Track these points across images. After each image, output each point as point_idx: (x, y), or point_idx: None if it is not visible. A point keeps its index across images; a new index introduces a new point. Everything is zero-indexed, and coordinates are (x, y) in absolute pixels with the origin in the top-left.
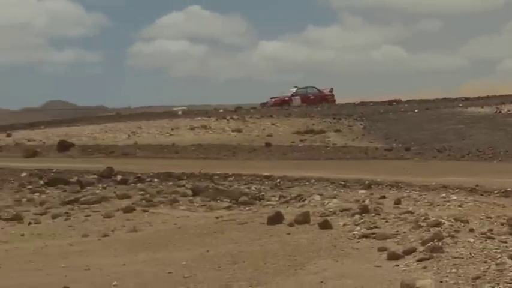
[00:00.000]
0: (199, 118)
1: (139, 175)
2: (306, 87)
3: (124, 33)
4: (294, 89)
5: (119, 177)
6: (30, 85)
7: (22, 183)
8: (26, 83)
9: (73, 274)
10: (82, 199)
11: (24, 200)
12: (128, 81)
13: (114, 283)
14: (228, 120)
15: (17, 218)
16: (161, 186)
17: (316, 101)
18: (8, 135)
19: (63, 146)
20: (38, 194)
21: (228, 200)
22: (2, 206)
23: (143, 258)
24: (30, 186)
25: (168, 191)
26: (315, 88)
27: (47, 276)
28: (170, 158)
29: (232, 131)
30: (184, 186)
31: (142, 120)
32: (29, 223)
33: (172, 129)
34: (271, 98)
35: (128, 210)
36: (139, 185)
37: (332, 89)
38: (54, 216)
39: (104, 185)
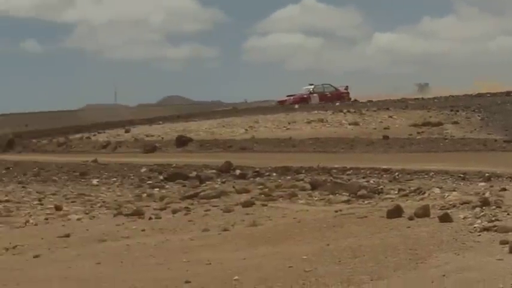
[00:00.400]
0: (316, 112)
1: (257, 169)
2: (322, 85)
3: (239, 27)
4: (311, 87)
5: (237, 172)
6: (147, 81)
7: (142, 179)
8: (143, 79)
9: (194, 268)
10: (201, 194)
11: (144, 195)
12: (244, 75)
13: (236, 277)
14: (344, 113)
15: (138, 214)
16: (280, 181)
17: (333, 98)
18: (127, 131)
19: (182, 141)
20: (157, 189)
21: (347, 194)
22: (123, 202)
23: (263, 252)
24: (150, 182)
25: (287, 185)
26: (331, 85)
27: (169, 270)
28: (287, 152)
29: (349, 124)
30: (302, 180)
31: (259, 114)
32: (150, 218)
33: (289, 123)
34: (288, 96)
35: (247, 204)
36: (258, 179)
37: (347, 86)
38: (174, 211)
39: (223, 180)
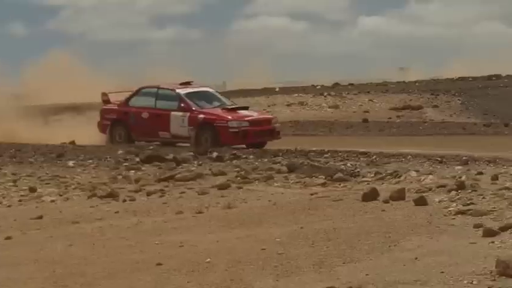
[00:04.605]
0: (296, 95)
1: (234, 152)
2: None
3: (225, 10)
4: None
5: (214, 154)
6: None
7: (118, 161)
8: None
9: (167, 251)
10: (177, 176)
11: (119, 177)
12: (227, 58)
13: (208, 260)
14: (325, 96)
15: (112, 195)
16: (256, 163)
17: None
18: None
19: None
20: (133, 171)
21: (323, 177)
22: (98, 184)
23: (237, 234)
24: (126, 164)
25: (264, 168)
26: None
27: (141, 252)
28: None
29: (329, 107)
30: (279, 163)
31: (240, 97)
32: (124, 200)
33: (268, 106)
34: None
35: (222, 187)
36: (234, 161)
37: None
38: (149, 194)
39: (200, 162)
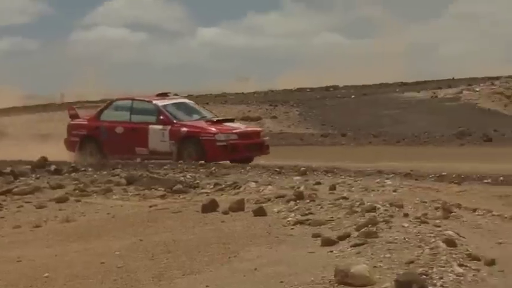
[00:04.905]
0: None
1: (73, 165)
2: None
3: (64, 20)
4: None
5: (53, 167)
6: None
7: None
8: None
9: (3, 266)
10: (15, 190)
11: None
12: (65, 68)
13: (46, 274)
14: None
15: None
16: (95, 176)
17: None
18: None
19: None
20: None
21: (163, 189)
22: None
23: (76, 248)
24: None
25: (102, 180)
26: None
27: None
28: None
29: None
30: (118, 175)
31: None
32: None
33: None
34: None
35: (60, 200)
36: (73, 174)
37: None
38: None
39: (38, 176)
